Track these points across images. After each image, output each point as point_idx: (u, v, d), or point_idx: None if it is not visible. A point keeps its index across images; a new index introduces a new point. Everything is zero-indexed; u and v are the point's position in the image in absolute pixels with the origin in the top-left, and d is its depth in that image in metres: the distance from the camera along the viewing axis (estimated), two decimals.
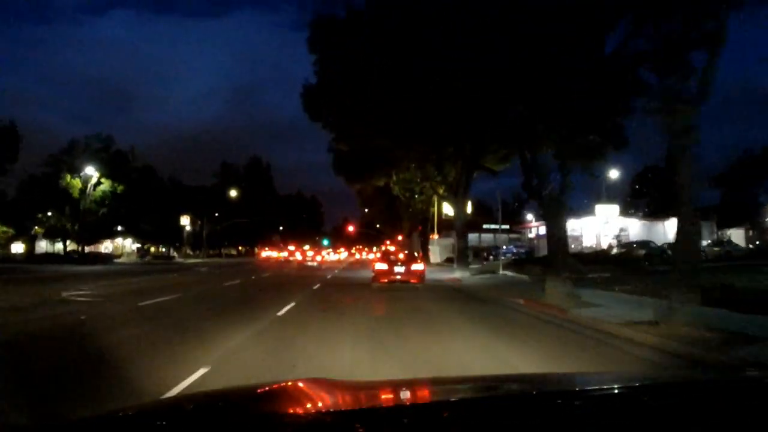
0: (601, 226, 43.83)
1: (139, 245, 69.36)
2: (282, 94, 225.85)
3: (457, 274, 22.45)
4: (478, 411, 1.45)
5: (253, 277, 26.55)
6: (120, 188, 44.26)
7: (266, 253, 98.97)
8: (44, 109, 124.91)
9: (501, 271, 22.41)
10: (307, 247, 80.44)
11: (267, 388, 1.84)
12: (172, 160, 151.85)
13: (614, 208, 43.96)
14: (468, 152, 22.73)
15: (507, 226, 67.96)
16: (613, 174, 44.05)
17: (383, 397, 1.81)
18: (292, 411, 1.45)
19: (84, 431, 1.38)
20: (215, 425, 1.28)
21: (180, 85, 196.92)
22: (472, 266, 33.20)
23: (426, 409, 1.55)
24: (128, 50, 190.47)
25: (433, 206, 37.42)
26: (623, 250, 30.01)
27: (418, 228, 47.10)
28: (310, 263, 37.62)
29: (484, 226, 65.26)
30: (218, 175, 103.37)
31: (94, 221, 43.33)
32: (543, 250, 49.20)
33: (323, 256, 40.66)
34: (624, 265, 21.72)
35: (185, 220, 71.00)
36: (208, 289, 18.60)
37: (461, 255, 26.12)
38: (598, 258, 23.69)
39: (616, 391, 1.74)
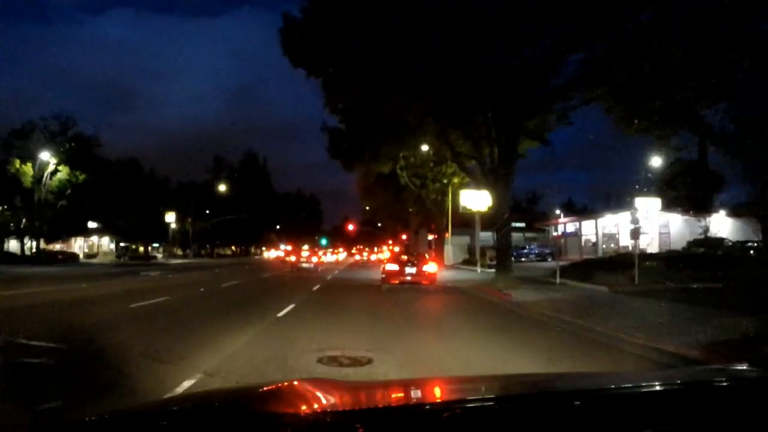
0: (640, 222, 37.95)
1: (121, 244, 63.34)
2: (283, 93, 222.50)
3: (500, 284, 16.00)
4: (478, 411, 1.45)
5: (231, 283, 20.95)
6: (81, 177, 38.10)
7: (273, 252, 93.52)
8: (44, 107, 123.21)
9: (558, 280, 16.30)
10: (306, 247, 74.71)
11: (267, 388, 1.79)
12: (171, 159, 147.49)
13: (655, 201, 37.86)
14: (509, 118, 16.60)
15: (522, 224, 62.32)
16: (656, 161, 37.99)
17: (383, 397, 1.81)
18: (292, 411, 1.43)
19: (83, 431, 1.39)
20: (215, 425, 1.29)
21: (180, 84, 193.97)
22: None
23: (426, 409, 1.54)
24: (128, 49, 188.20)
25: (449, 198, 31.22)
26: (701, 248, 23.89)
27: (430, 224, 40.92)
28: (305, 265, 31.47)
29: None
30: (211, 170, 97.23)
31: (53, 216, 37.26)
32: (572, 251, 43.16)
33: (320, 257, 34.44)
34: (723, 267, 15.58)
35: (170, 217, 65.16)
36: (161, 304, 12.69)
37: (503, 258, 18.71)
38: (685, 260, 17.54)
39: (616, 391, 1.75)
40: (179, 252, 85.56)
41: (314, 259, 32.91)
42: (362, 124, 20.18)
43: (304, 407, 1.48)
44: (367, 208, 63.18)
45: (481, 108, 16.12)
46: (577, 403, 1.48)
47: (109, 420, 1.42)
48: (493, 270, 26.52)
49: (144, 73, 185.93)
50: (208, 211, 78.41)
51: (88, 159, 38.69)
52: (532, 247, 40.93)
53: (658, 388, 1.70)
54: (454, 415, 1.36)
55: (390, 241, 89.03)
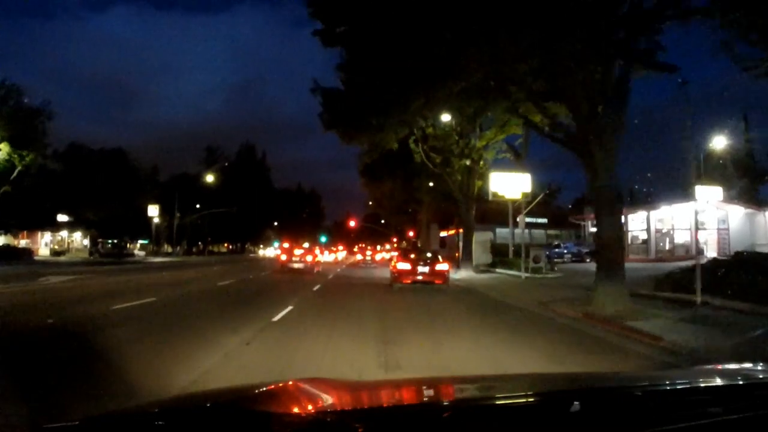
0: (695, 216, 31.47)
1: (99, 240, 57.22)
2: (284, 90, 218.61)
3: (608, 305, 8.90)
4: (478, 411, 1.46)
5: (189, 290, 15.35)
6: (29, 158, 31.80)
7: (270, 251, 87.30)
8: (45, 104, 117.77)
9: (699, 297, 9.82)
10: (306, 245, 68.12)
11: (267, 388, 1.76)
12: (172, 156, 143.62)
13: (716, 191, 31.48)
14: (619, 39, 10.06)
15: (544, 220, 55.89)
16: (719, 143, 31.69)
17: (383, 397, 1.82)
18: (291, 411, 1.43)
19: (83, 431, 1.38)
20: (215, 425, 1.28)
21: (181, 81, 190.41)
22: (546, 273, 21.08)
23: (426, 409, 1.55)
24: (129, 46, 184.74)
25: (474, 180, 24.76)
26: None
27: (446, 217, 34.51)
28: (296, 265, 25.24)
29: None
30: (203, 161, 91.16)
31: None
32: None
33: (315, 256, 27.98)
34: None
35: (153, 210, 59.07)
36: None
37: (610, 261, 11.04)
38: None
39: (616, 391, 1.75)
40: (169, 249, 79.95)
41: (309, 258, 26.62)
42: (372, 64, 13.94)
43: (304, 407, 1.49)
44: (370, 203, 56.75)
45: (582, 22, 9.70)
46: (577, 404, 1.41)
47: (109, 420, 1.42)
48: (540, 275, 20.40)
49: (145, 69, 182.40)
50: (198, 205, 72.71)
51: (37, 136, 32.44)
52: (567, 245, 34.55)
53: (657, 388, 1.72)
54: (454, 415, 1.36)
55: (395, 239, 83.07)
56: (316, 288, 17.23)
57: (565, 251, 32.84)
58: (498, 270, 24.02)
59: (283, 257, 26.86)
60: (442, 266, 17.04)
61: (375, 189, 40.41)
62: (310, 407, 1.48)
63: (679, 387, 1.79)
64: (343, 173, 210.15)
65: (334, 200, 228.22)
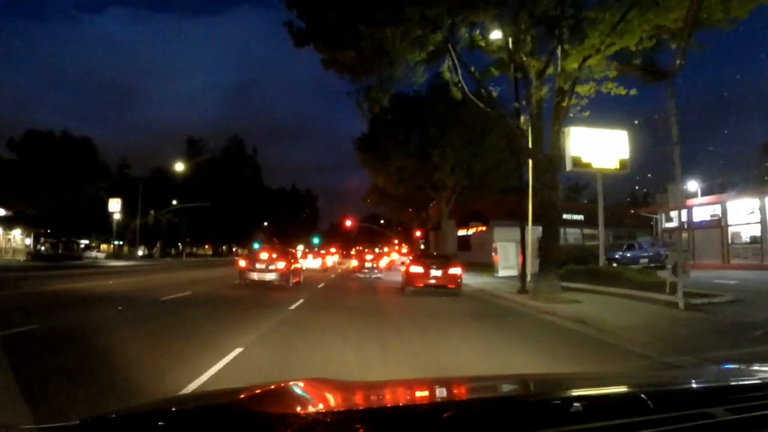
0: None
1: (42, 239, 48.07)
2: (280, 93, 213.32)
3: None
4: (478, 411, 1.45)
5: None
6: None
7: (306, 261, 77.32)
8: (42, 105, 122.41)
9: None
10: (301, 247, 57.58)
11: (267, 388, 1.76)
12: (167, 158, 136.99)
13: None
14: None
15: (579, 216, 46.98)
16: None
17: (383, 397, 1.80)
18: (292, 411, 1.42)
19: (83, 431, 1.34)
20: (215, 425, 1.27)
21: (178, 83, 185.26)
22: (696, 296, 11.93)
23: (426, 410, 1.54)
24: (125, 48, 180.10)
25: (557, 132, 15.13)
26: None
27: (477, 212, 25.32)
28: (260, 276, 16.14)
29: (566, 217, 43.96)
30: (185, 155, 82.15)
31: None
32: (707, 253, 23.99)
33: (291, 262, 17.97)
34: None
35: (115, 205, 50.07)
36: None
37: None
38: None
39: (616, 391, 1.74)
40: (144, 251, 71.39)
41: (279, 266, 17.37)
42: None
43: (304, 407, 1.48)
44: (368, 200, 47.37)
45: None
46: (577, 404, 1.41)
47: (108, 420, 1.38)
48: (704, 300, 11.23)
49: (141, 71, 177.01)
50: (175, 201, 63.98)
51: None
52: (644, 245, 25.17)
53: (657, 388, 1.72)
54: (454, 415, 1.36)
55: (396, 241, 74.16)
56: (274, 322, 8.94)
57: (644, 254, 23.65)
58: (593, 287, 14.51)
59: (242, 263, 17.78)
60: (454, 270, 16.52)
61: (378, 167, 29.25)
62: (310, 407, 1.48)
63: (679, 387, 1.83)
64: (343, 174, 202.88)
65: (332, 204, 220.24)
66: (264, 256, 17.45)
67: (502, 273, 22.38)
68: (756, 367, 1.97)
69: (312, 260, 32.91)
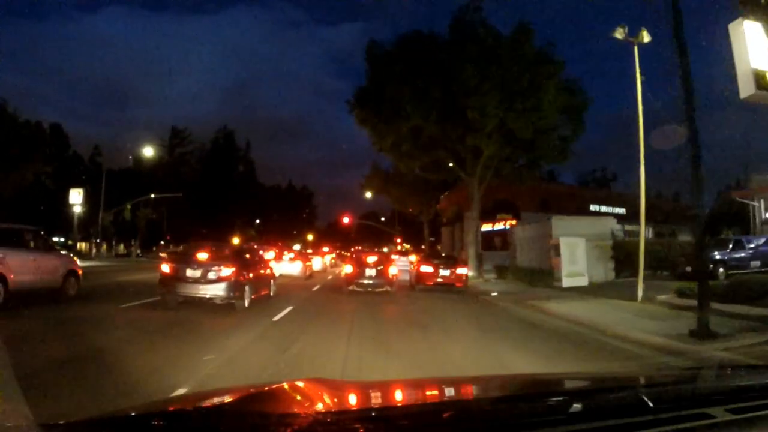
0: None
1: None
2: (278, 91, 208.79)
3: None
4: (478, 411, 1.44)
5: None
6: None
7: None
8: (40, 105, 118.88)
9: None
10: (297, 247, 48.87)
11: (267, 388, 1.75)
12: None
13: None
14: None
15: (621, 210, 40.58)
16: None
17: (383, 397, 1.77)
18: (292, 411, 1.41)
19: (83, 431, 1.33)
20: (215, 425, 1.26)
21: (175, 82, 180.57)
22: None
23: (426, 410, 1.52)
24: (122, 47, 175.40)
25: None
26: None
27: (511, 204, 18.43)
28: (190, 291, 8.81)
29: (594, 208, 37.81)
30: (168, 145, 75.72)
31: None
32: None
33: (263, 267, 10.53)
34: None
35: (76, 197, 43.40)
36: None
37: None
38: None
39: (615, 391, 1.70)
40: (124, 250, 64.96)
41: (224, 273, 10.22)
42: None
43: (304, 407, 1.46)
44: (368, 195, 40.48)
45: None
46: (576, 404, 1.39)
47: (108, 420, 1.38)
48: None
49: (138, 70, 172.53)
50: (153, 195, 57.43)
51: None
52: (751, 240, 18.24)
53: (657, 388, 1.68)
54: (454, 415, 1.35)
55: (398, 240, 67.64)
56: None
57: (751, 253, 16.76)
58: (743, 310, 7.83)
59: (165, 268, 10.90)
60: (461, 270, 16.84)
61: (384, 130, 21.11)
62: (310, 407, 1.45)
63: (679, 387, 1.79)
64: (342, 175, 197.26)
65: (332, 204, 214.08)
66: (201, 255, 10.62)
67: (567, 282, 15.52)
68: (756, 368, 2.10)
69: (288, 264, 22.91)
